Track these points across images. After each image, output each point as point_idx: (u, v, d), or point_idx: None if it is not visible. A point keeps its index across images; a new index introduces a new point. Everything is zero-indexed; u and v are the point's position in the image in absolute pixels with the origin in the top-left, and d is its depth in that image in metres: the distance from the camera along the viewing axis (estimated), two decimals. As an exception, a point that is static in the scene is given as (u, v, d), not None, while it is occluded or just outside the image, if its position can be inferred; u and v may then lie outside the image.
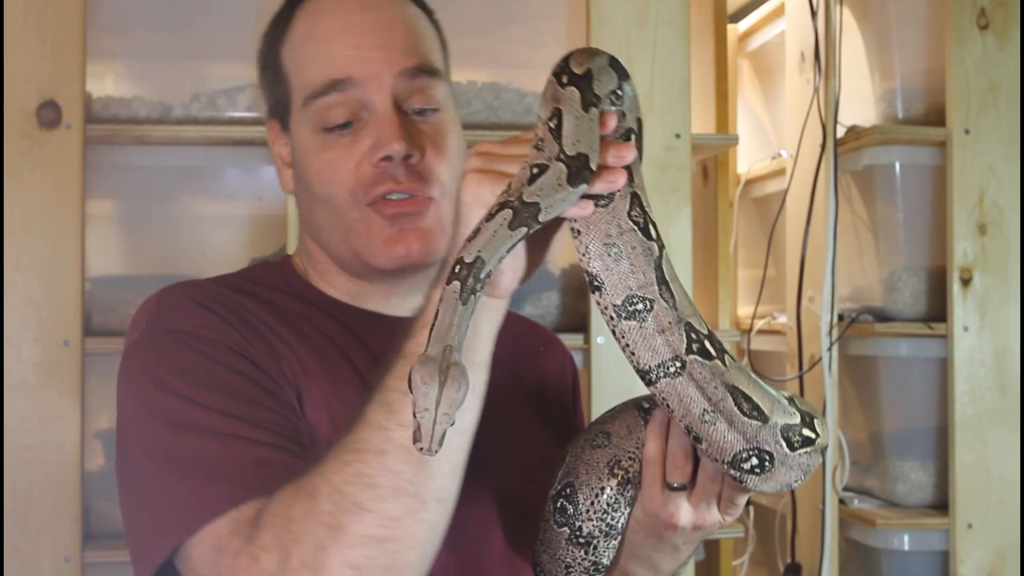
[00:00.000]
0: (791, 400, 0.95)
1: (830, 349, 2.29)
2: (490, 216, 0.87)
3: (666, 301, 0.90)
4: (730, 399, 0.90)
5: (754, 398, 0.91)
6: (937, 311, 2.27)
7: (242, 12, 2.05)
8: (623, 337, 0.91)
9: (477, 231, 0.87)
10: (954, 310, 2.22)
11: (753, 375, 0.93)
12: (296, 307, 1.12)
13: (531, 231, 0.87)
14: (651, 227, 0.92)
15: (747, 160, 2.80)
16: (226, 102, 2.07)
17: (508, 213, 0.87)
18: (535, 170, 0.87)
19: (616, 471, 1.03)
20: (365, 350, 1.10)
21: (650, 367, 0.91)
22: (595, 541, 1.04)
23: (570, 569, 1.05)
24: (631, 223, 0.91)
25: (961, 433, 2.21)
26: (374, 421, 0.90)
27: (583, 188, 0.88)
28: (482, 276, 0.86)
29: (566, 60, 0.92)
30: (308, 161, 1.11)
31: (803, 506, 2.39)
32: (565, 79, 0.90)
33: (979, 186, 2.23)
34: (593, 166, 0.88)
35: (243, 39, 2.11)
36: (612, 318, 0.91)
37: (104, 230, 2.10)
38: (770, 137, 2.79)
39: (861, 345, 2.33)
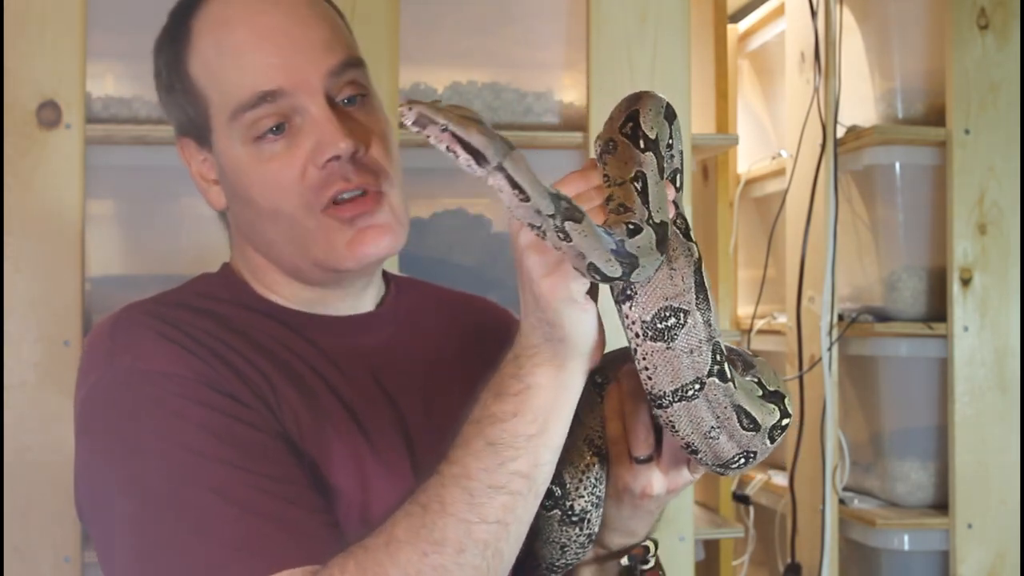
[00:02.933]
0: (760, 384, 0.93)
1: (830, 349, 2.29)
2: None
3: (701, 314, 0.86)
4: (735, 417, 0.89)
5: (753, 413, 0.90)
6: (937, 311, 2.27)
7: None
8: (644, 359, 0.86)
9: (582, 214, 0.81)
10: (954, 310, 2.22)
11: (743, 379, 0.91)
12: (253, 321, 1.08)
13: (610, 282, 0.82)
14: (691, 231, 0.89)
15: (747, 160, 2.80)
16: (226, 102, 2.07)
17: (611, 245, 0.81)
18: (631, 226, 0.83)
19: (592, 447, 1.03)
20: (326, 359, 1.08)
21: (665, 392, 0.87)
22: (588, 516, 1.03)
23: (566, 548, 1.05)
24: (674, 227, 0.88)
25: (961, 433, 2.21)
26: (455, 511, 0.87)
27: (664, 257, 0.85)
28: (563, 225, 0.79)
29: (635, 119, 0.88)
30: (245, 176, 1.06)
31: (803, 506, 2.39)
32: (642, 143, 0.87)
33: (979, 186, 2.23)
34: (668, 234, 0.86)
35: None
36: (638, 335, 0.86)
37: (104, 230, 2.09)
38: (770, 137, 2.79)
39: (861, 345, 2.33)
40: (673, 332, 0.85)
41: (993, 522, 2.20)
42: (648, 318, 0.85)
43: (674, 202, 0.89)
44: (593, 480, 1.03)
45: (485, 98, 2.12)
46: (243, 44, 1.05)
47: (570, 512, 1.03)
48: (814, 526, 2.32)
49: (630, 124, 0.89)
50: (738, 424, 0.89)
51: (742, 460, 0.92)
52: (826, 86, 2.32)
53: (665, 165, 0.90)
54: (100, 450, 0.98)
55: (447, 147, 0.79)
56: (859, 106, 2.41)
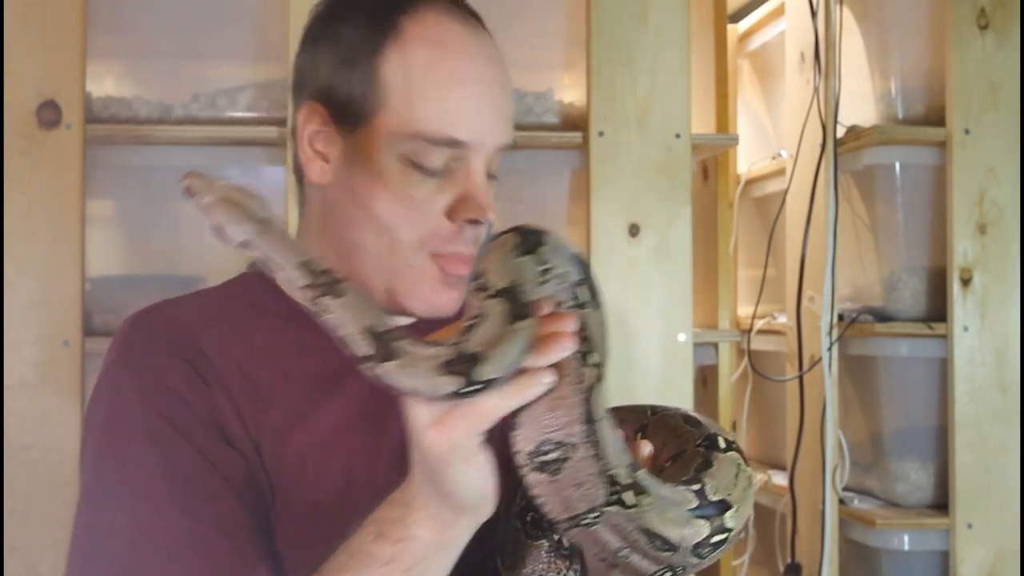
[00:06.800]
0: (700, 492, 0.89)
1: (830, 349, 2.29)
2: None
3: (592, 446, 0.81)
4: (644, 539, 0.85)
5: (666, 535, 0.85)
6: (937, 311, 2.27)
7: (242, 12, 2.04)
8: (532, 487, 0.83)
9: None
10: (954, 310, 2.22)
11: (664, 493, 0.86)
12: (275, 325, 1.08)
13: (363, 364, 0.80)
14: (592, 354, 0.82)
15: (747, 160, 2.80)
16: (226, 102, 2.07)
17: (369, 323, 0.81)
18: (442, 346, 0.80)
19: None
20: (346, 362, 1.09)
21: (559, 519, 0.84)
22: (575, 553, 1.00)
23: None
24: (568, 353, 0.81)
25: (961, 433, 2.21)
26: None
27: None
28: (319, 299, 0.82)
29: (482, 275, 0.87)
30: (380, 185, 1.04)
31: (803, 506, 2.39)
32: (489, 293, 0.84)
33: (979, 186, 2.23)
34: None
35: (243, 39, 2.12)
36: (522, 466, 0.82)
37: (104, 230, 2.10)
38: (770, 137, 2.79)
39: (861, 345, 2.33)
40: (555, 466, 0.81)
41: (993, 522, 2.20)
42: (530, 449, 0.81)
43: (583, 329, 0.84)
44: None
45: (485, 98, 2.12)
46: (456, 82, 1.04)
47: (559, 543, 0.99)
48: (814, 526, 2.32)
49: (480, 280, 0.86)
50: (648, 546, 0.85)
51: (668, 573, 0.88)
52: (826, 86, 2.32)
53: (548, 291, 0.85)
54: (86, 451, 1.01)
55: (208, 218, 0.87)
56: (859, 106, 2.41)
